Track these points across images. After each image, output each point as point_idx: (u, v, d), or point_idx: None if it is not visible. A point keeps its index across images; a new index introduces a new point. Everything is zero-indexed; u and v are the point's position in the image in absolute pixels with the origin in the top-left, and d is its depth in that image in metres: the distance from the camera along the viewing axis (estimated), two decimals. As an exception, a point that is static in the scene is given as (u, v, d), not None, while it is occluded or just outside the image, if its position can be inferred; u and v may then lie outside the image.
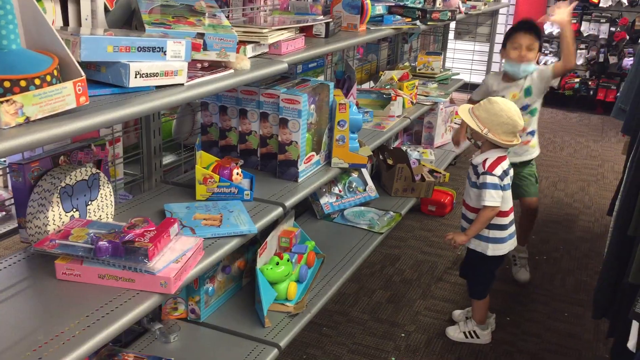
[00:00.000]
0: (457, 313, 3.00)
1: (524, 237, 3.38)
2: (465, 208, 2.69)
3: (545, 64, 7.32)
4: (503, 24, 7.27)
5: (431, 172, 3.91)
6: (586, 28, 7.07)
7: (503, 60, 3.21)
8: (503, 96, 2.96)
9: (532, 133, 3.20)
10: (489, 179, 2.52)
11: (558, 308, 3.17)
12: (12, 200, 1.68)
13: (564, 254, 3.77)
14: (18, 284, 1.50)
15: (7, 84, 1.12)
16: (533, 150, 3.23)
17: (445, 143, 4.70)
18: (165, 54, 1.48)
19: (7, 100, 1.10)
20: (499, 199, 2.52)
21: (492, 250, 2.63)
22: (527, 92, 3.11)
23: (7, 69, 1.15)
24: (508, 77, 3.17)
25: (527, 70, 3.06)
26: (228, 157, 2.21)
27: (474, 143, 2.65)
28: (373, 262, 3.55)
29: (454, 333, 2.87)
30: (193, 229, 1.80)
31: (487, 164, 2.54)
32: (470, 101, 3.28)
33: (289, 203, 2.13)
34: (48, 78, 1.18)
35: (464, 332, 2.85)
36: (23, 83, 1.14)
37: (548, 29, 7.25)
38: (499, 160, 2.55)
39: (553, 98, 7.08)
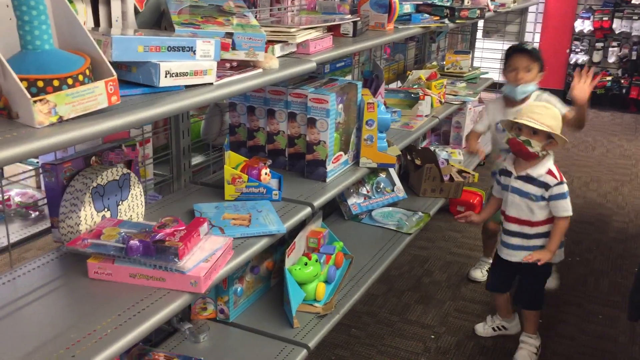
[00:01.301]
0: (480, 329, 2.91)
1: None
2: (520, 224, 2.53)
3: (576, 63, 7.19)
4: (532, 22, 7.17)
5: (460, 172, 3.86)
6: (618, 25, 6.92)
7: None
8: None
9: None
10: (565, 188, 2.45)
11: (592, 310, 3.10)
12: (45, 201, 1.70)
13: (597, 255, 3.69)
14: (51, 283, 1.52)
15: (40, 84, 1.14)
16: None
17: (474, 143, 4.64)
18: (195, 54, 1.48)
19: (40, 100, 1.11)
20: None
21: (559, 255, 2.58)
22: None
23: (40, 69, 1.16)
24: (510, 102, 2.97)
25: (525, 91, 2.86)
26: (256, 157, 2.21)
27: (539, 153, 2.44)
28: (401, 263, 3.52)
29: (481, 329, 2.86)
30: (222, 229, 1.80)
31: (556, 173, 2.45)
32: (473, 133, 3.19)
33: (317, 203, 2.12)
34: (80, 78, 1.19)
35: (492, 328, 2.85)
36: (56, 83, 1.15)
37: (579, 26, 7.13)
38: (557, 166, 2.50)
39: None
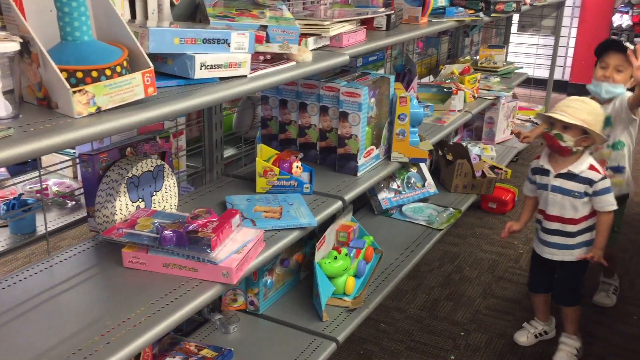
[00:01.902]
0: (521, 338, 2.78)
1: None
2: (562, 223, 2.47)
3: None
4: (569, 17, 7.02)
5: (492, 168, 3.82)
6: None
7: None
8: None
9: (617, 169, 2.82)
10: (608, 183, 2.41)
11: (627, 311, 3.03)
12: (82, 190, 1.73)
13: (633, 255, 3.61)
14: (86, 271, 1.55)
15: (79, 75, 1.15)
16: (619, 186, 2.81)
17: (507, 139, 4.57)
18: (230, 46, 1.49)
19: (79, 90, 1.13)
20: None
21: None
22: (607, 121, 2.70)
23: (79, 60, 1.18)
24: (595, 99, 2.76)
25: (610, 91, 2.74)
26: (288, 150, 2.22)
27: (572, 148, 2.38)
28: (431, 259, 3.50)
29: (524, 338, 2.75)
30: (254, 221, 1.81)
31: (598, 168, 2.42)
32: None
33: (348, 197, 2.11)
34: (118, 69, 1.21)
35: (535, 335, 2.76)
36: (95, 74, 1.17)
37: (617, 21, 6.95)
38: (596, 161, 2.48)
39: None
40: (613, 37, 2.83)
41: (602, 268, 2.93)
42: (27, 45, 1.15)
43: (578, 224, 2.47)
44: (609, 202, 2.41)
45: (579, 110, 2.36)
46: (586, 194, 2.41)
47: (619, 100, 2.76)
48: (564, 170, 2.43)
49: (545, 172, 2.50)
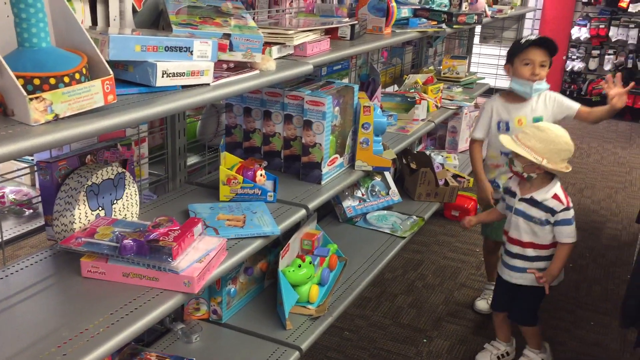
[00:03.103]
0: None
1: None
2: (522, 246, 2.45)
3: (572, 70, 7.23)
4: (529, 29, 7.19)
5: (455, 177, 3.88)
6: (614, 33, 6.96)
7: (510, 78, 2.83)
8: (507, 122, 2.76)
9: None
10: (570, 214, 2.37)
11: (584, 317, 3.11)
12: (40, 198, 1.70)
13: (590, 262, 3.70)
14: (44, 281, 1.52)
15: (37, 82, 1.13)
16: None
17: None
18: (192, 54, 1.49)
19: (36, 98, 1.11)
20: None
21: (559, 277, 2.49)
22: (536, 121, 2.70)
23: (37, 67, 1.16)
24: (513, 98, 2.81)
25: (538, 89, 2.71)
26: (252, 158, 2.21)
27: (527, 177, 2.38)
28: (395, 266, 3.53)
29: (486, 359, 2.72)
30: (216, 230, 1.80)
31: (562, 198, 2.37)
32: (473, 141, 2.94)
33: (312, 205, 2.12)
34: (77, 76, 1.19)
35: (497, 357, 2.72)
36: (52, 81, 1.15)
37: (575, 33, 7.16)
38: (564, 190, 2.42)
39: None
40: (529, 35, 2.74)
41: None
42: (-18, 51, 1.13)
43: (537, 250, 2.44)
44: (568, 234, 2.37)
45: (528, 136, 2.34)
46: (547, 222, 2.39)
47: (554, 105, 2.76)
48: (528, 196, 2.41)
49: (513, 194, 2.49)
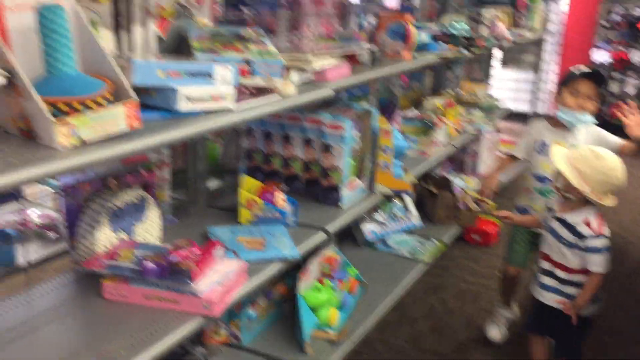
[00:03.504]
0: None
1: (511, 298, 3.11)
2: (552, 265, 2.37)
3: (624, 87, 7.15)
4: (550, 53, 7.18)
5: (476, 200, 3.85)
6: (636, 57, 6.91)
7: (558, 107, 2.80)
8: (545, 144, 2.72)
9: None
10: (602, 243, 2.26)
11: (614, 345, 3.04)
12: (64, 221, 1.72)
13: (618, 287, 3.63)
14: (67, 303, 1.54)
15: (62, 107, 1.17)
16: None
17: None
18: (214, 79, 1.51)
19: (62, 122, 1.14)
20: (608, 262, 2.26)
21: (591, 309, 2.36)
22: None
23: (63, 92, 1.19)
24: (558, 123, 2.78)
25: (583, 120, 2.69)
26: (272, 181, 2.23)
27: (564, 196, 2.31)
28: (415, 290, 3.49)
29: None
30: (236, 253, 1.81)
31: (594, 225, 2.27)
32: (508, 156, 2.96)
33: (331, 229, 2.12)
34: (102, 101, 1.22)
35: None
36: (78, 106, 1.18)
37: (596, 57, 7.13)
38: (602, 218, 2.31)
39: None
40: (584, 65, 2.75)
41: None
42: (11, 78, 1.16)
43: (569, 274, 2.34)
44: (596, 263, 2.25)
45: (582, 158, 2.26)
46: (576, 246, 2.30)
47: (594, 136, 2.74)
48: (561, 215, 2.35)
49: (552, 210, 2.44)
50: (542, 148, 2.77)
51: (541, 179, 2.69)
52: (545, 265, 2.42)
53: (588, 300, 2.30)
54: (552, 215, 2.40)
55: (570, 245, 2.32)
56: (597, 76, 2.72)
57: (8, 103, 1.20)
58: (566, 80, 2.76)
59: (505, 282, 3.08)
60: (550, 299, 2.40)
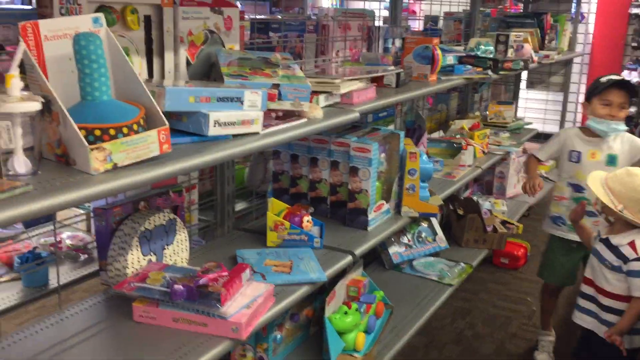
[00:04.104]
0: None
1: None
2: (595, 290, 2.32)
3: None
4: (577, 74, 7.12)
5: (503, 223, 3.80)
6: (666, 76, 6.81)
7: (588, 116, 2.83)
8: (579, 153, 2.74)
9: None
10: None
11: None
12: (95, 244, 1.75)
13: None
14: (97, 325, 1.55)
15: (97, 133, 1.19)
16: None
17: (518, 194, 4.57)
18: (243, 104, 1.54)
19: (97, 148, 1.16)
20: None
21: (634, 341, 2.27)
22: (611, 160, 2.73)
23: (98, 119, 1.22)
24: (590, 132, 2.81)
25: (616, 129, 2.71)
26: (298, 204, 2.24)
27: (605, 218, 2.30)
28: (443, 314, 3.45)
29: None
30: (264, 275, 1.81)
31: (638, 248, 2.19)
32: (532, 156, 3.00)
33: (358, 251, 2.12)
34: (135, 127, 1.25)
35: None
36: (112, 131, 1.21)
37: (626, 78, 7.04)
38: None
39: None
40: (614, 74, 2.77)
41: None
42: (48, 104, 1.20)
43: (609, 299, 2.28)
44: (638, 287, 2.18)
45: (616, 178, 2.24)
46: (620, 269, 2.24)
47: (630, 144, 2.75)
48: (606, 237, 2.31)
49: (599, 233, 2.40)
50: (578, 158, 2.76)
51: (578, 188, 2.68)
52: (588, 289, 2.36)
53: (629, 326, 2.22)
54: (597, 237, 2.36)
55: (613, 268, 2.25)
56: (626, 84, 2.73)
57: (45, 129, 1.24)
58: (596, 90, 2.76)
59: (546, 301, 3.06)
60: (590, 323, 2.35)
